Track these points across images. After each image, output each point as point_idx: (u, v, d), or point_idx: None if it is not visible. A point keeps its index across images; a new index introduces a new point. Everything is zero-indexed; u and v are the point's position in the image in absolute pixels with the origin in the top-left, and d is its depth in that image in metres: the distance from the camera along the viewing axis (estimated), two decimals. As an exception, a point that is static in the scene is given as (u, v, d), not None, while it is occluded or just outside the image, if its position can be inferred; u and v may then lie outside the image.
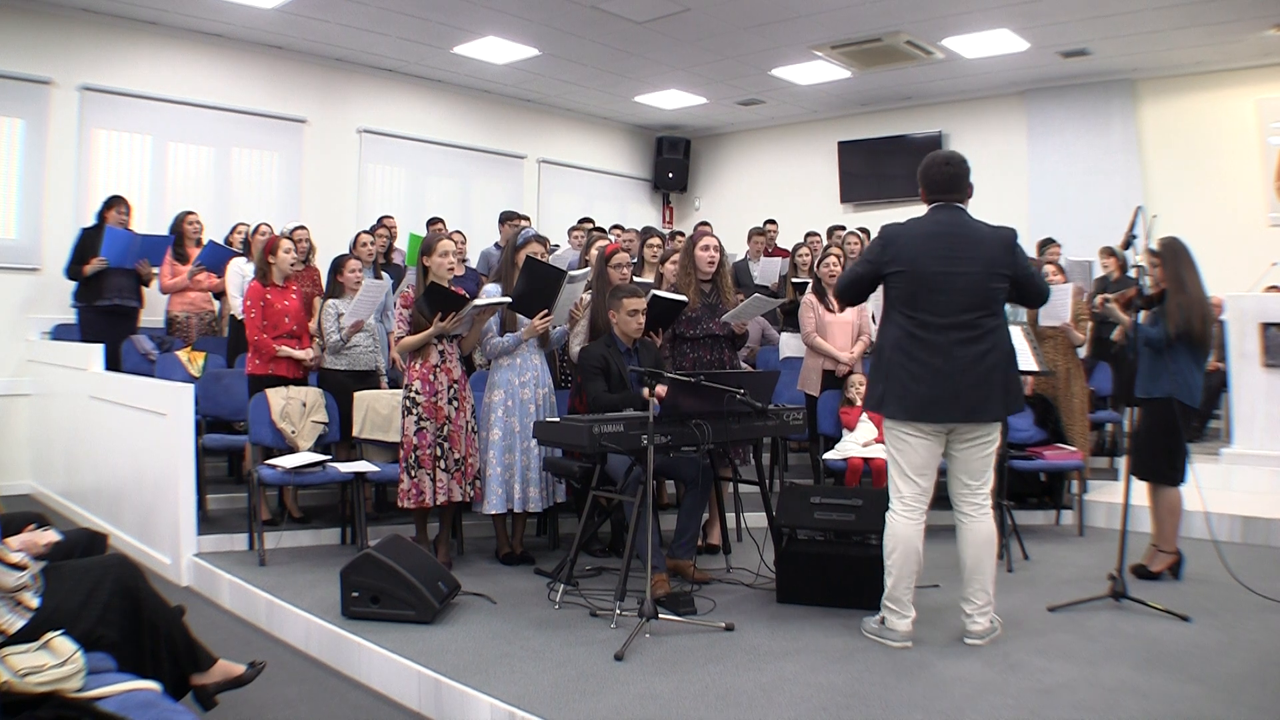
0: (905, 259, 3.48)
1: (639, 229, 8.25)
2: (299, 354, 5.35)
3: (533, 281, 4.58)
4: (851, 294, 3.78)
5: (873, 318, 5.82)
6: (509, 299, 4.59)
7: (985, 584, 3.56)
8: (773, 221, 9.44)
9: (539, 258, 4.75)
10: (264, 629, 4.12)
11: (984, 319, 3.47)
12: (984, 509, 3.58)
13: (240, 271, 6.32)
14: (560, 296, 4.65)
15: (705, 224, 8.88)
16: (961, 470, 3.58)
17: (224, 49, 8.21)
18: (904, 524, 3.51)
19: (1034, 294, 3.71)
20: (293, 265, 5.48)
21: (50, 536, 2.84)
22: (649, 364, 4.47)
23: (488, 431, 4.70)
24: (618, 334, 4.57)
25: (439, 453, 4.57)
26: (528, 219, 8.54)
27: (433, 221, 8.23)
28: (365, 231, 6.93)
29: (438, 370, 4.62)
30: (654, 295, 4.77)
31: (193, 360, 6.09)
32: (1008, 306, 5.86)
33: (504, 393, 4.69)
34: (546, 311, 4.64)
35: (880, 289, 3.65)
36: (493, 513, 4.68)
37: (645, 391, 4.07)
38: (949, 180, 3.58)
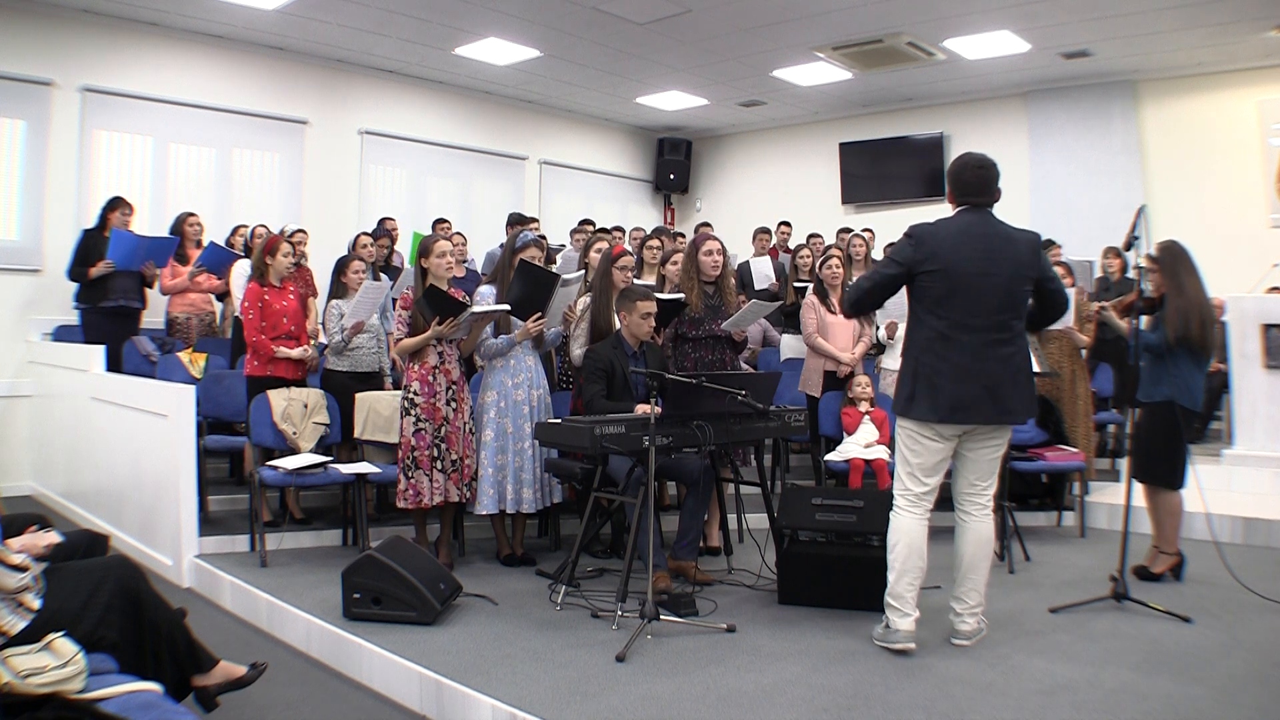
0: (941, 258, 3.46)
1: (647, 230, 8.28)
2: (294, 353, 5.34)
3: (527, 284, 4.58)
4: (869, 301, 3.69)
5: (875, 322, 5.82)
6: (508, 305, 4.59)
7: (979, 584, 3.57)
8: (786, 223, 9.46)
9: (535, 261, 4.75)
10: (265, 630, 4.12)
11: (1013, 321, 3.49)
12: (986, 510, 3.59)
13: (246, 273, 6.31)
14: (554, 299, 4.65)
15: (706, 224, 8.92)
16: (971, 470, 3.58)
17: (225, 50, 8.21)
18: (909, 519, 3.51)
19: (1058, 304, 3.66)
20: (289, 268, 5.47)
21: (51, 538, 2.84)
22: (653, 366, 4.47)
23: (480, 432, 4.71)
24: (626, 336, 4.57)
25: (436, 453, 4.57)
26: (536, 221, 8.57)
27: (438, 222, 8.25)
28: (365, 233, 6.95)
29: (437, 371, 4.62)
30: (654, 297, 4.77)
31: (194, 361, 6.09)
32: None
33: (497, 394, 4.69)
34: (540, 314, 4.64)
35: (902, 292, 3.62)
36: (484, 513, 4.68)
37: (642, 408, 4.09)
38: (981, 183, 3.58)
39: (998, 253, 3.46)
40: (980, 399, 3.42)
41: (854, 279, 3.91)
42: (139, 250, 6.38)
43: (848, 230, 8.72)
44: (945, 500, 3.74)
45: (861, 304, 3.74)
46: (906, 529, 3.50)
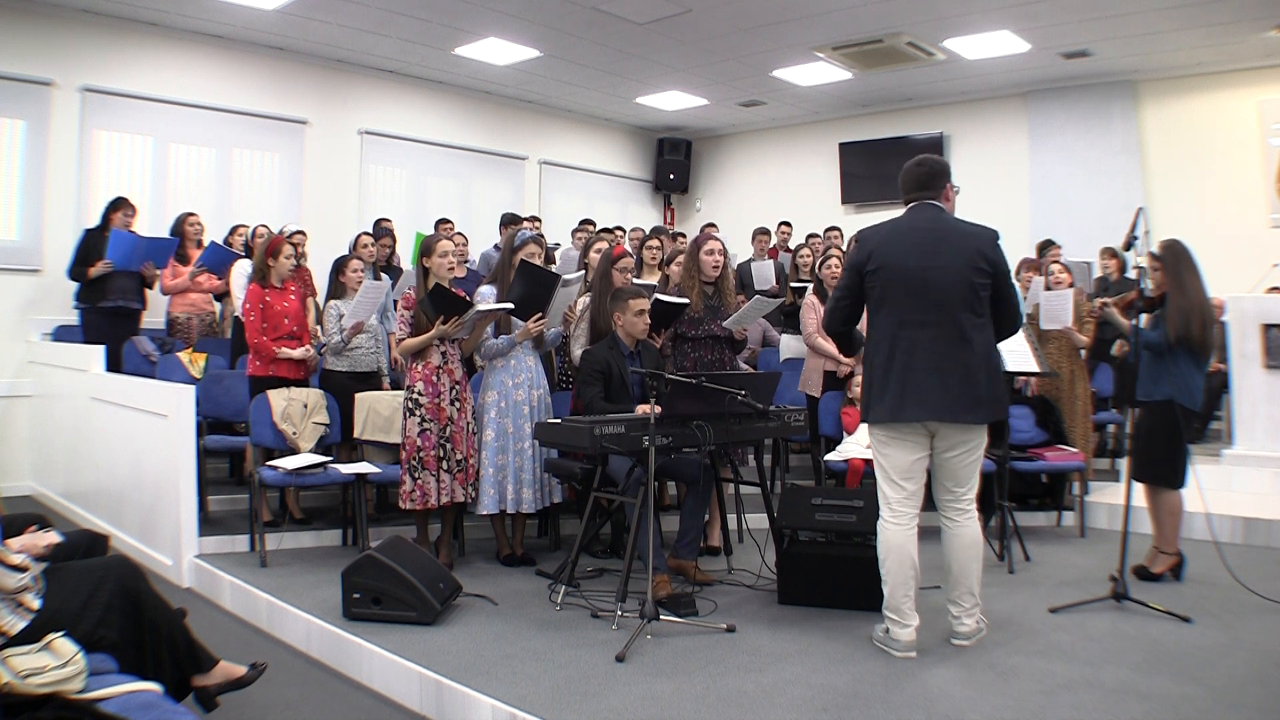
0: (880, 256, 3.44)
1: (645, 231, 8.29)
2: (296, 354, 5.34)
3: (528, 284, 4.59)
4: (839, 316, 3.66)
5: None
6: (512, 305, 4.60)
7: (972, 587, 3.54)
8: (786, 223, 9.46)
9: (535, 259, 4.76)
10: (265, 630, 4.12)
11: (964, 315, 3.37)
12: (969, 514, 3.54)
13: (247, 273, 6.31)
14: (554, 299, 4.65)
15: (711, 225, 8.94)
16: (947, 477, 3.53)
17: (225, 50, 8.22)
18: (894, 531, 3.47)
19: (1008, 313, 3.50)
20: (290, 270, 5.48)
21: (51, 538, 2.84)
22: (650, 366, 4.48)
23: (481, 432, 4.71)
24: (622, 336, 4.57)
25: (441, 454, 4.57)
26: (535, 220, 8.57)
27: (441, 222, 8.25)
28: (366, 233, 6.96)
29: (440, 371, 4.62)
30: (656, 299, 4.78)
31: (194, 361, 6.09)
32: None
33: (497, 394, 4.69)
34: (540, 314, 4.64)
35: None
36: (485, 513, 4.68)
37: (641, 408, 4.09)
38: (921, 178, 3.53)
39: (942, 247, 3.39)
40: (930, 396, 3.35)
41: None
42: (138, 250, 6.39)
43: (835, 229, 8.73)
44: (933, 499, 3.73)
45: (833, 321, 3.72)
46: (894, 543, 3.46)
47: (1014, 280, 6.10)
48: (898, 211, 3.64)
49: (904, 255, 3.41)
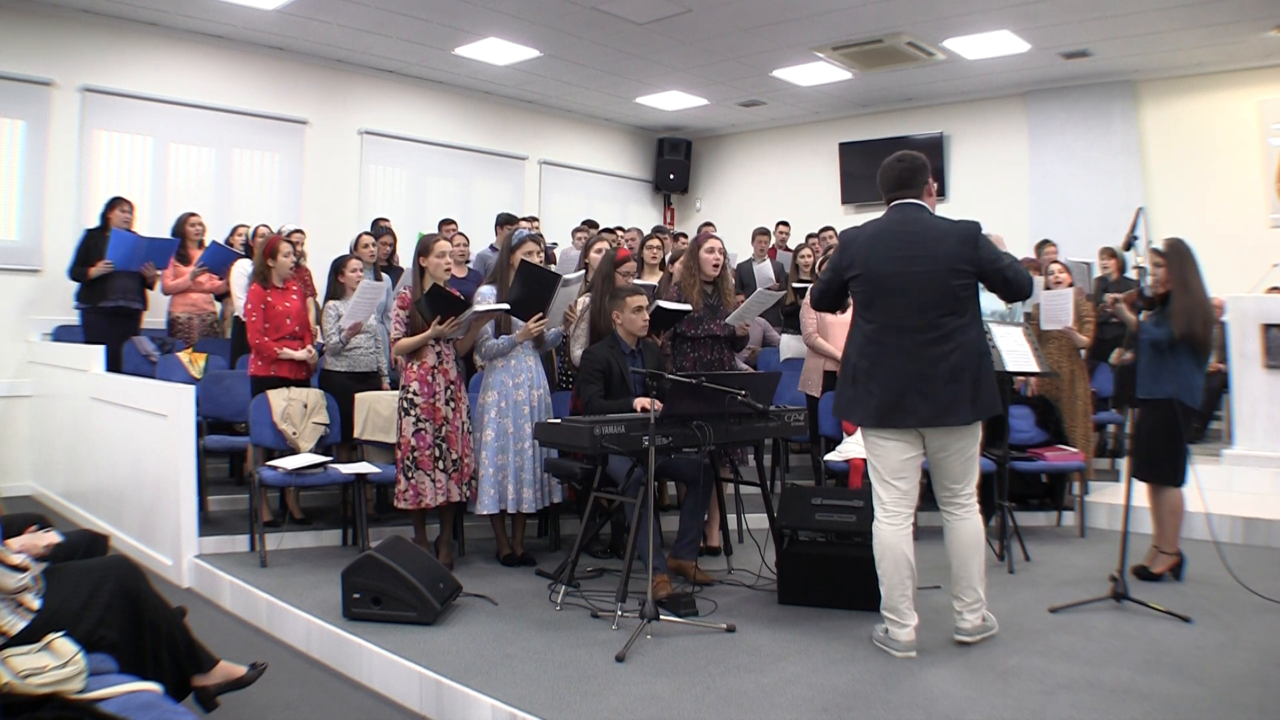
0: (860, 262, 3.44)
1: (645, 230, 8.28)
2: (297, 355, 5.34)
3: (528, 285, 4.58)
4: (824, 303, 3.73)
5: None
6: (508, 305, 4.59)
7: (973, 582, 3.52)
8: (784, 223, 9.46)
9: (534, 257, 4.76)
10: (265, 630, 4.12)
11: (945, 318, 3.35)
12: (969, 508, 3.53)
13: (246, 273, 6.31)
14: (555, 299, 4.65)
15: (709, 224, 8.94)
16: (944, 475, 3.52)
17: (225, 50, 8.22)
18: (888, 531, 3.46)
19: (1011, 286, 3.44)
20: (290, 268, 5.48)
21: (51, 538, 2.84)
22: (651, 366, 4.48)
23: (481, 432, 4.71)
24: (622, 335, 4.57)
25: (437, 454, 4.57)
26: (533, 220, 8.56)
27: (445, 222, 8.25)
28: (367, 233, 6.96)
29: (435, 371, 4.62)
30: (658, 306, 4.77)
31: (194, 361, 6.09)
32: (1002, 306, 5.90)
33: (498, 394, 4.69)
34: (541, 314, 4.64)
35: None
36: (485, 513, 4.68)
37: (640, 405, 4.09)
38: (901, 176, 3.50)
39: (921, 249, 3.37)
40: (912, 402, 3.34)
41: None
42: (138, 251, 6.39)
43: (829, 229, 8.73)
44: (933, 498, 3.73)
45: (820, 304, 3.78)
46: (888, 543, 3.45)
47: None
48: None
49: (884, 261, 3.40)
